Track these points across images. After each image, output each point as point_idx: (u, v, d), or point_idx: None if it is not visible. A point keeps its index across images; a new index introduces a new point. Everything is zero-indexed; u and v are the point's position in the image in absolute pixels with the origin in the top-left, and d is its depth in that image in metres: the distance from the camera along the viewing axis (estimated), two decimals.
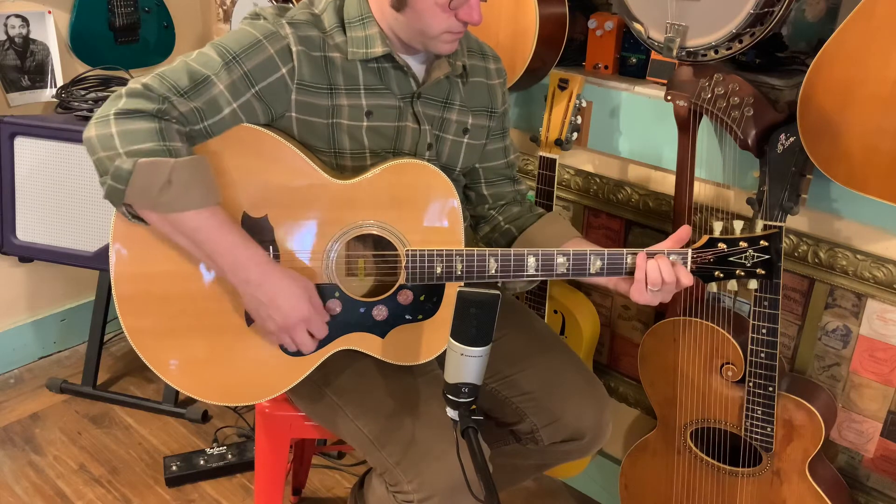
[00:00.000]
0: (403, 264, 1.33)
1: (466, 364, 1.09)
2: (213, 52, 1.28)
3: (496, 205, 1.59)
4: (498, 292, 1.07)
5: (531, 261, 1.33)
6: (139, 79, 1.25)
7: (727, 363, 1.59)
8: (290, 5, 1.39)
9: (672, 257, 1.31)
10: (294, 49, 1.29)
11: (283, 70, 1.29)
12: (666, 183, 1.79)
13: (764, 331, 1.49)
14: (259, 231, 1.31)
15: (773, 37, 1.41)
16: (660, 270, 1.28)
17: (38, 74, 2.44)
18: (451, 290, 1.36)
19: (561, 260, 1.33)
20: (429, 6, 1.27)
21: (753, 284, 1.35)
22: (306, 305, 1.28)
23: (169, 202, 1.18)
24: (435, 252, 1.32)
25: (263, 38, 1.29)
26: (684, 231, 1.33)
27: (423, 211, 1.34)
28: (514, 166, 1.62)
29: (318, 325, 1.31)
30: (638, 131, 1.78)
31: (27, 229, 2.25)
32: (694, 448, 1.70)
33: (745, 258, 1.31)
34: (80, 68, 2.46)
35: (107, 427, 2.39)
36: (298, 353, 1.35)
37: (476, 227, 1.63)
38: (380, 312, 1.37)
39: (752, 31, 1.37)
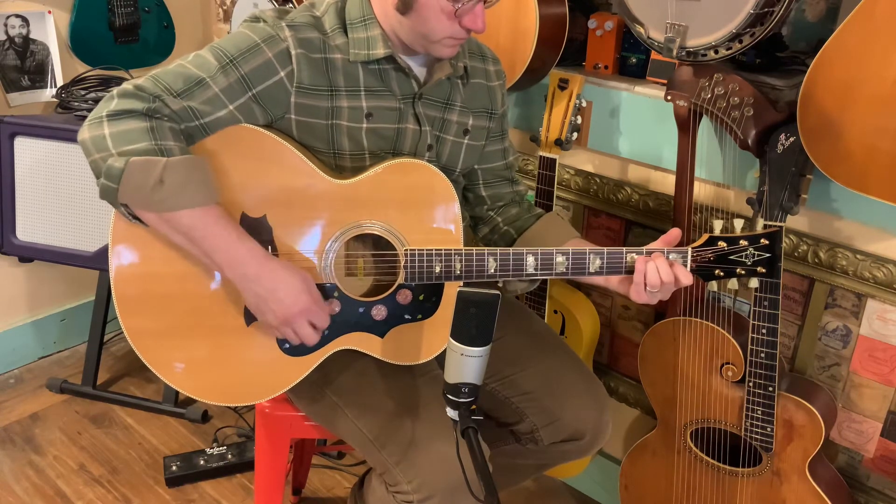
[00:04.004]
0: (402, 264, 1.33)
1: (466, 364, 1.09)
2: (209, 55, 1.28)
3: (494, 206, 1.59)
4: (498, 292, 1.07)
5: (530, 260, 1.33)
6: (132, 80, 1.25)
7: (727, 363, 1.59)
8: (291, 6, 1.39)
9: (671, 256, 1.31)
10: (293, 52, 1.29)
11: (282, 73, 1.29)
12: (666, 183, 1.79)
13: (764, 331, 1.49)
14: (258, 231, 1.31)
15: (773, 37, 1.40)
16: (658, 272, 1.28)
17: (38, 74, 2.44)
18: (451, 290, 1.36)
19: (560, 259, 1.33)
20: (434, 12, 1.27)
21: (754, 283, 1.35)
22: (307, 296, 1.27)
23: (162, 200, 1.18)
24: (434, 251, 1.32)
25: (262, 42, 1.29)
26: (675, 232, 1.33)
27: (422, 210, 1.34)
28: (513, 168, 1.61)
29: (321, 316, 1.30)
30: (638, 131, 1.77)
31: (27, 229, 2.25)
32: (694, 448, 1.70)
33: (746, 256, 1.31)
34: (80, 68, 2.46)
35: (107, 427, 2.39)
36: (300, 351, 1.35)
37: (475, 228, 1.63)
38: (379, 312, 1.36)
39: (752, 31, 1.37)
